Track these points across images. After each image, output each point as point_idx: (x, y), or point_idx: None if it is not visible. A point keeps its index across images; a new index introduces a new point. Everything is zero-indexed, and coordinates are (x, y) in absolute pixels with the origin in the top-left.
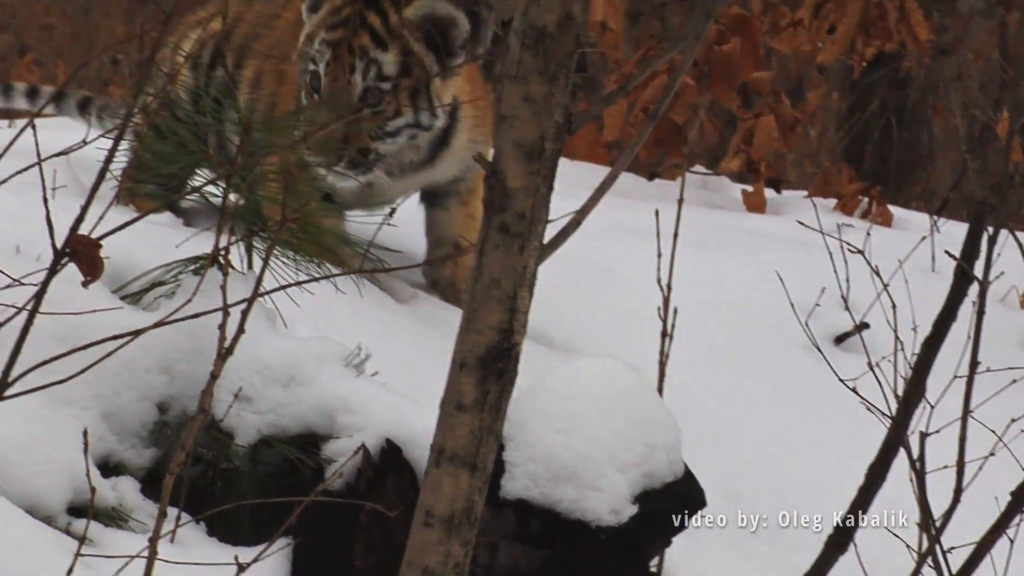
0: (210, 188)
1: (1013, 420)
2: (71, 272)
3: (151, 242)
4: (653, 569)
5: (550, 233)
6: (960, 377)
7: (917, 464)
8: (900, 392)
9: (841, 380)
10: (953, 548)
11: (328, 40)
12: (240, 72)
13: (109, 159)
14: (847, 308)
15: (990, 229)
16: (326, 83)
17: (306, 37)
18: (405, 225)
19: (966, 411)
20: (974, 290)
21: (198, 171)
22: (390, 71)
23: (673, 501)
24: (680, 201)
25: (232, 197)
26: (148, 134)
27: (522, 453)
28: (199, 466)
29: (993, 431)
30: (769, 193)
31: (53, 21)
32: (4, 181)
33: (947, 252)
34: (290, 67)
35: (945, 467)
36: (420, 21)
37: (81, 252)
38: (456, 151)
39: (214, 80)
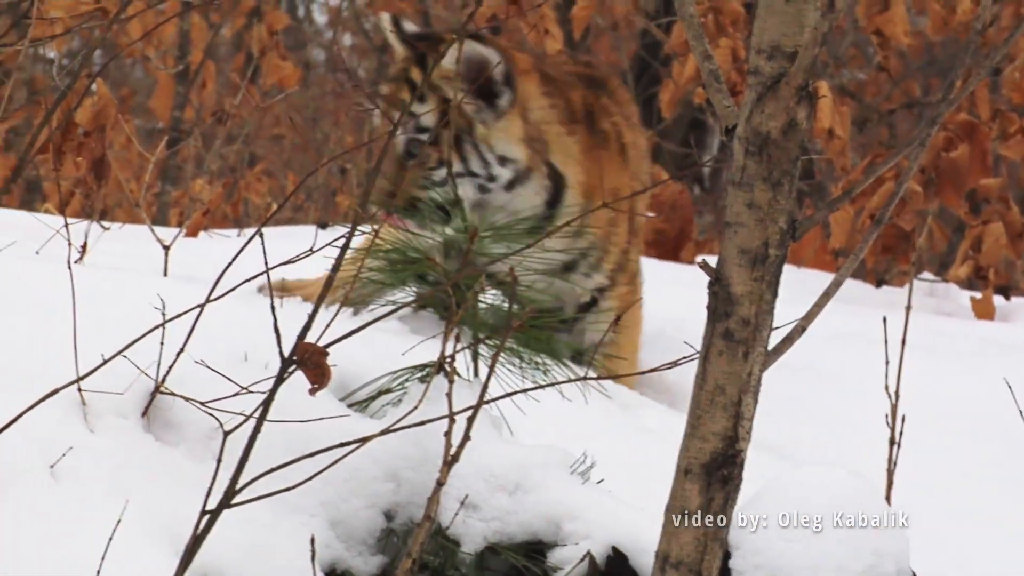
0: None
1: None
2: (299, 380)
3: (377, 350)
4: None
5: (775, 339)
6: None
7: None
8: None
9: None
10: None
11: (381, 94)
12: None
13: (336, 268)
14: None
15: None
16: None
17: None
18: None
19: None
20: None
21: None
22: (427, 122)
23: None
24: (908, 308)
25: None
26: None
27: (748, 561)
28: (425, 573)
29: None
30: (998, 300)
31: (282, 131)
32: (233, 289)
33: None
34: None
35: None
36: (457, 68)
37: (308, 360)
38: (564, 216)
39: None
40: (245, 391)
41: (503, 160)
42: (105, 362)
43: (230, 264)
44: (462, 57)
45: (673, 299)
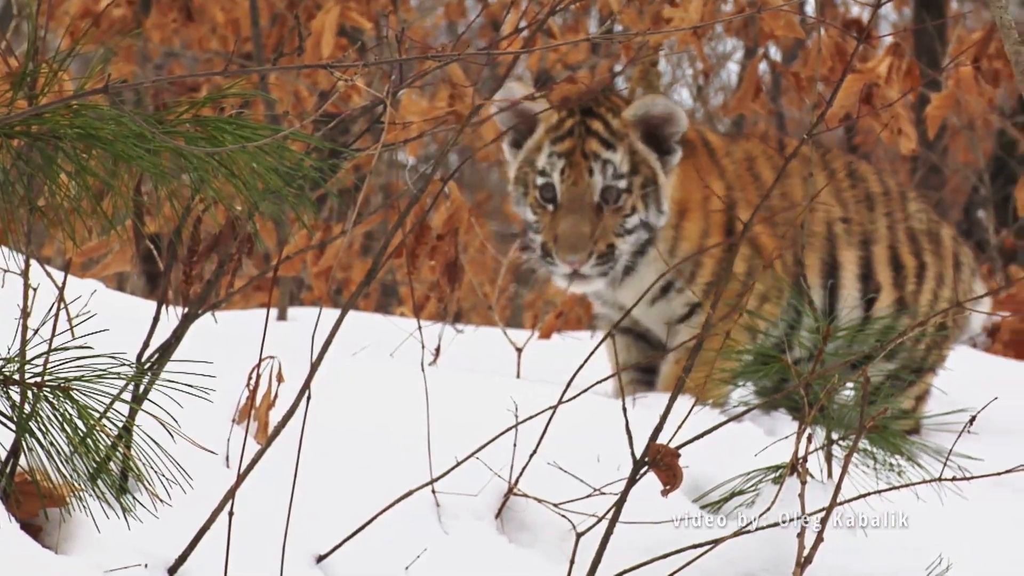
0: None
1: None
2: (651, 481)
3: (729, 450)
4: None
5: None
6: None
7: None
8: None
9: None
10: None
11: (558, 151)
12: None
13: (688, 368)
14: None
15: None
16: (564, 188)
17: (524, 161)
18: (989, 434)
19: None
20: None
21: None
22: (623, 169)
23: None
24: None
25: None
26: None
27: None
28: None
29: None
30: None
31: None
32: (585, 391)
33: None
34: None
35: None
36: (638, 120)
37: (660, 461)
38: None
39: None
40: (598, 492)
41: (662, 214)
42: (459, 464)
43: (582, 366)
44: (647, 110)
45: None
